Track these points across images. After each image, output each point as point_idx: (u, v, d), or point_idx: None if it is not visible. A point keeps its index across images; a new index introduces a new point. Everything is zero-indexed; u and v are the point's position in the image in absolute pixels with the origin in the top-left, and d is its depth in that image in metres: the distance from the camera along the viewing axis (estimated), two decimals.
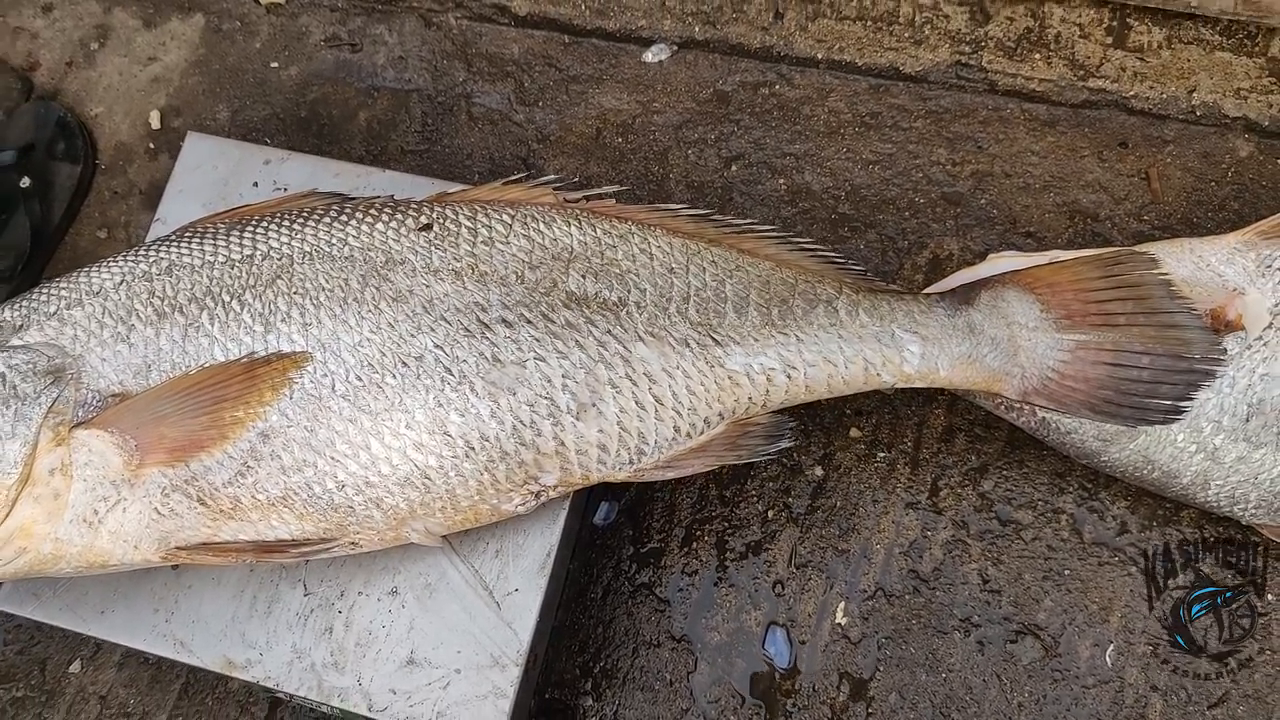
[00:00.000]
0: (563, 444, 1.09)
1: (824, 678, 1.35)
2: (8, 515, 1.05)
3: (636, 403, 1.10)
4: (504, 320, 1.10)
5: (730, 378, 1.13)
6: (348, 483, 1.06)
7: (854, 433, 1.44)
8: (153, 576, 1.21)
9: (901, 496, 1.42)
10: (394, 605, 1.17)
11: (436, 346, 1.08)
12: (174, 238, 1.18)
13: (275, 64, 1.75)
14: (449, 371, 1.07)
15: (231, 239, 1.15)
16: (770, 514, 1.44)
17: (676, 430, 1.12)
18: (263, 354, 1.08)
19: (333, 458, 1.06)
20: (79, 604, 1.21)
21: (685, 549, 1.43)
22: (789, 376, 1.13)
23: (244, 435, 1.06)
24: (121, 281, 1.13)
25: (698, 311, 1.14)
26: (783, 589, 1.40)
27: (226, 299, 1.11)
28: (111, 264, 1.16)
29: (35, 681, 1.51)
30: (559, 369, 1.09)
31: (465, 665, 1.14)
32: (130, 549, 1.08)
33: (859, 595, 1.37)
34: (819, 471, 1.45)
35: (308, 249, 1.14)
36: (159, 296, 1.12)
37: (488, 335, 1.09)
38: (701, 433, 1.13)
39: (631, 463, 1.11)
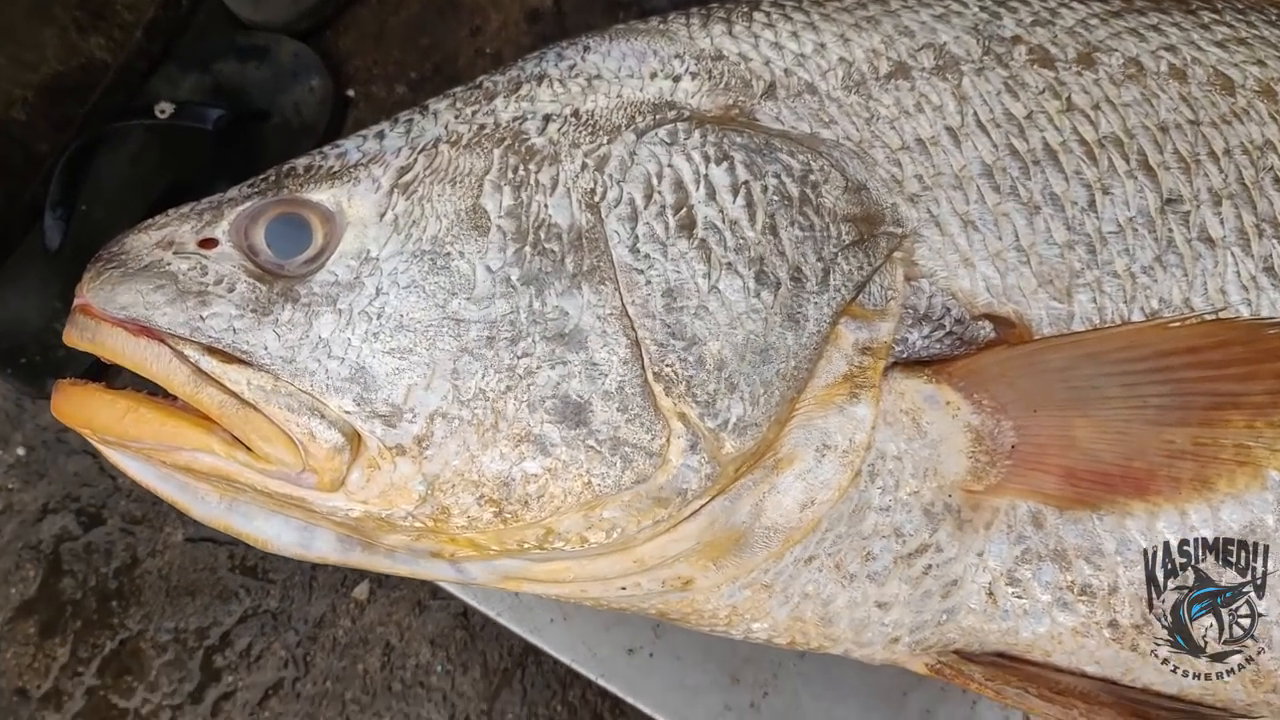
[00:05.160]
0: None
1: None
2: (693, 514, 0.45)
3: None
4: None
5: None
6: None
7: None
8: None
9: None
10: None
11: None
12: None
13: None
14: None
15: (1100, 38, 0.53)
16: None
17: None
18: None
19: None
20: (577, 628, 0.62)
21: None
22: None
23: (1247, 491, 0.47)
24: (939, 66, 0.51)
25: None
26: None
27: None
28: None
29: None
30: None
31: None
32: (884, 639, 0.50)
33: None
34: None
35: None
36: (1059, 127, 0.49)
37: None
38: None
39: None
